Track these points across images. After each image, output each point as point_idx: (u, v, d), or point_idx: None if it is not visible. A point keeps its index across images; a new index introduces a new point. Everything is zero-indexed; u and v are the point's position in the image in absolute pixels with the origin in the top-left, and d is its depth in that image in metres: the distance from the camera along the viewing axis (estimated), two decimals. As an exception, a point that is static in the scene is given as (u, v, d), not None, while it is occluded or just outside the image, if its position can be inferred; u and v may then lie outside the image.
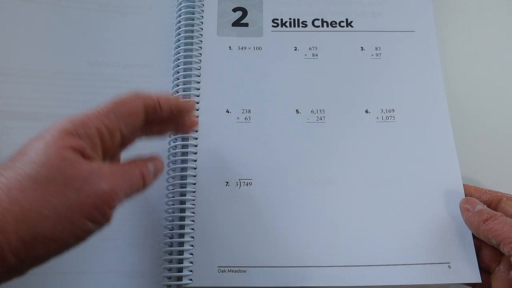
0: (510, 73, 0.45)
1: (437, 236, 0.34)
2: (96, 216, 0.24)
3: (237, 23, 0.41)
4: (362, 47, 0.40)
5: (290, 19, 0.41)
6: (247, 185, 0.36)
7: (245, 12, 0.41)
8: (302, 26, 0.41)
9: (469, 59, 0.45)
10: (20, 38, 0.40)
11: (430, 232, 0.34)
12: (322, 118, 0.38)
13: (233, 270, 0.33)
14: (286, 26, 0.41)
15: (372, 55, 0.40)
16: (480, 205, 0.33)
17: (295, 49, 0.40)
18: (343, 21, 0.41)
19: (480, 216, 0.32)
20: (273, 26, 0.41)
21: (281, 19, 0.41)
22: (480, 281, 0.33)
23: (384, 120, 0.38)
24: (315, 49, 0.40)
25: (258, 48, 0.40)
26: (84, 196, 0.23)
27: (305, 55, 0.40)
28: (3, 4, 0.41)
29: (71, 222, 0.23)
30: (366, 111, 0.38)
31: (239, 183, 0.36)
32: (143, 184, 0.28)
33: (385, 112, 0.38)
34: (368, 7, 0.42)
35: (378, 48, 0.40)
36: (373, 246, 0.34)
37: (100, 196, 0.24)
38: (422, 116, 0.38)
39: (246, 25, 0.41)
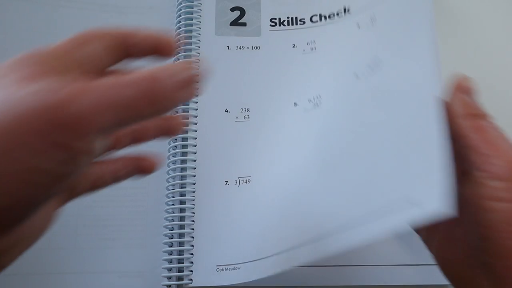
0: (511, 73, 0.44)
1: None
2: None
3: (235, 23, 0.41)
4: (358, 24, 0.37)
5: (288, 17, 0.41)
6: (246, 182, 0.36)
7: (243, 12, 0.41)
8: (300, 24, 0.41)
9: (469, 59, 0.45)
10: (20, 38, 0.40)
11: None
12: None
13: (233, 270, 0.33)
14: (284, 25, 0.41)
15: (368, 25, 0.36)
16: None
17: (293, 46, 0.40)
18: (340, 11, 0.39)
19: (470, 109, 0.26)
20: (271, 25, 0.41)
21: (279, 18, 0.41)
22: None
23: None
24: (313, 43, 0.39)
25: (256, 48, 0.40)
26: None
27: (304, 50, 0.39)
28: (3, 4, 0.41)
29: None
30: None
31: (238, 182, 0.36)
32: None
33: None
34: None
35: (373, 19, 0.35)
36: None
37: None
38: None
39: (244, 24, 0.41)
